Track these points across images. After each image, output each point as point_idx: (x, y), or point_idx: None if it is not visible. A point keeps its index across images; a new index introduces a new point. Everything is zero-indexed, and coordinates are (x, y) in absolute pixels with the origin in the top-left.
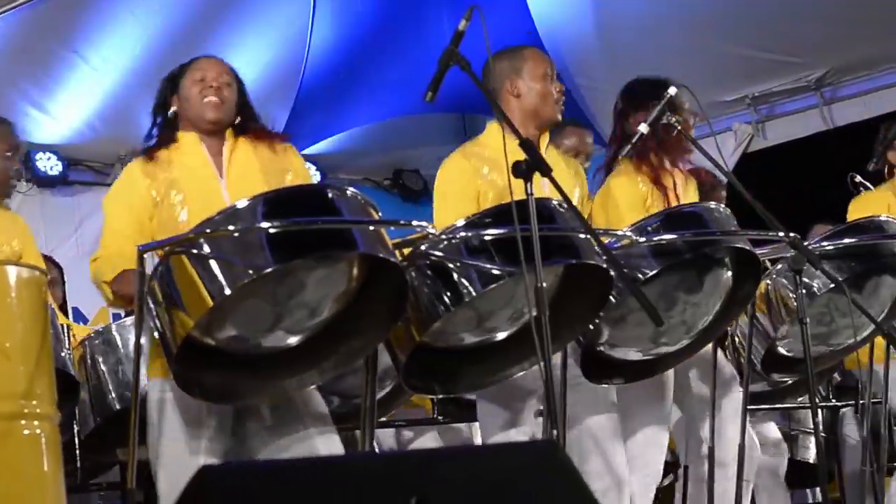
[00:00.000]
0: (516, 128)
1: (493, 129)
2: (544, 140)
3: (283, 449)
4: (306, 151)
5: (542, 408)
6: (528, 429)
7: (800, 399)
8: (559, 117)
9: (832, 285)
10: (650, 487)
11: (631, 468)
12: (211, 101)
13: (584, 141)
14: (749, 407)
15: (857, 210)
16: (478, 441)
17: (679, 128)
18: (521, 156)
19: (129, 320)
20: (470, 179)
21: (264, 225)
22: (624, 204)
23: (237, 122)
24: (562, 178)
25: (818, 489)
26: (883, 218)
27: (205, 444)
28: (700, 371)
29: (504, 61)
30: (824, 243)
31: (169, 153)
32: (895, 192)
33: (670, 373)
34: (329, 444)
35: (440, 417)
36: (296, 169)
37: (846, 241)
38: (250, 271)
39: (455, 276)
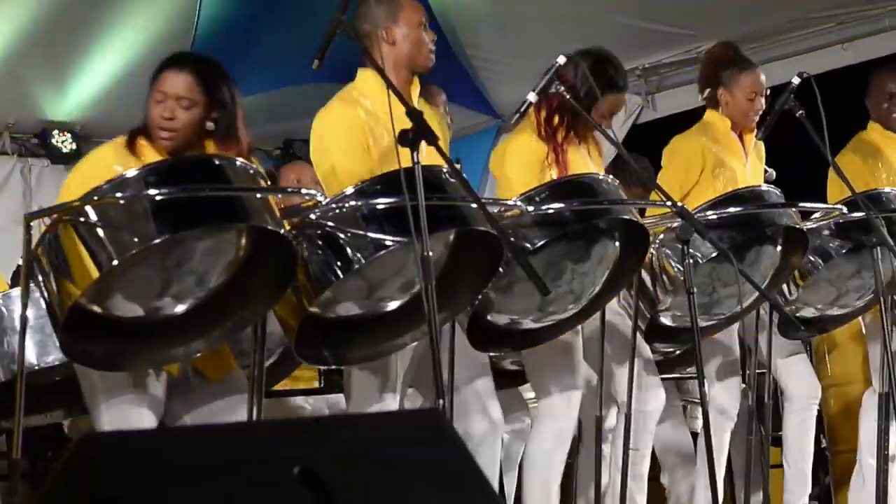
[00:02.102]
0: (391, 82)
1: (367, 76)
2: (415, 89)
3: (206, 416)
4: None
5: None
6: (397, 396)
7: (688, 369)
8: (431, 64)
9: (714, 254)
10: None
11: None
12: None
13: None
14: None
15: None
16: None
17: (568, 97)
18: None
19: (15, 291)
20: (358, 129)
21: (151, 192)
22: (516, 163)
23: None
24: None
25: None
26: (763, 188)
27: (148, 400)
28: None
29: (380, 6)
30: (708, 213)
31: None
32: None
33: (578, 342)
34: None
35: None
36: None
37: (730, 210)
38: (137, 240)
39: (344, 244)
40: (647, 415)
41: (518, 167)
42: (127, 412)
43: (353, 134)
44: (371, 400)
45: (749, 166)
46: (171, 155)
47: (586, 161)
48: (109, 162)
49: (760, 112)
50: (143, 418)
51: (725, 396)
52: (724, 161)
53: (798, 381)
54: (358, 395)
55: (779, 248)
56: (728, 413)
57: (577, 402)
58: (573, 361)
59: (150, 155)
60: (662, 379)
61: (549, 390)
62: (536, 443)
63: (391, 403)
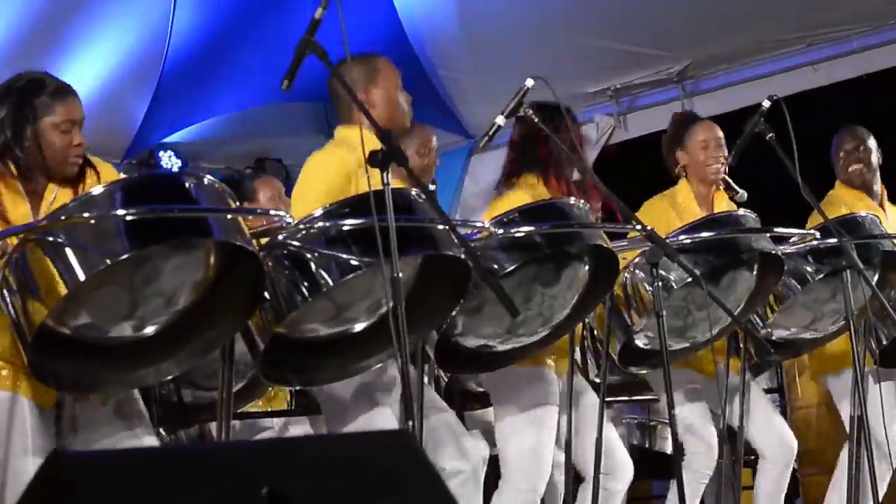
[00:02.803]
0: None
1: (344, 132)
2: None
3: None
4: (168, 139)
5: None
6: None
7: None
8: (408, 125)
9: (689, 279)
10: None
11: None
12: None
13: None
14: (607, 399)
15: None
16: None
17: (536, 120)
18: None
19: None
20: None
21: (119, 212)
22: None
23: None
24: None
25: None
26: (740, 212)
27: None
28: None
29: (358, 69)
30: (682, 237)
31: None
32: (672, 203)
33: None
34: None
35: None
36: None
37: (703, 234)
38: (105, 259)
39: (312, 266)
40: (614, 494)
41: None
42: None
43: (339, 181)
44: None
45: None
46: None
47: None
48: None
49: (720, 161)
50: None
51: (695, 417)
52: None
53: (772, 441)
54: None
55: (754, 272)
56: (698, 433)
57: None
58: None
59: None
60: (634, 400)
61: (512, 458)
62: None
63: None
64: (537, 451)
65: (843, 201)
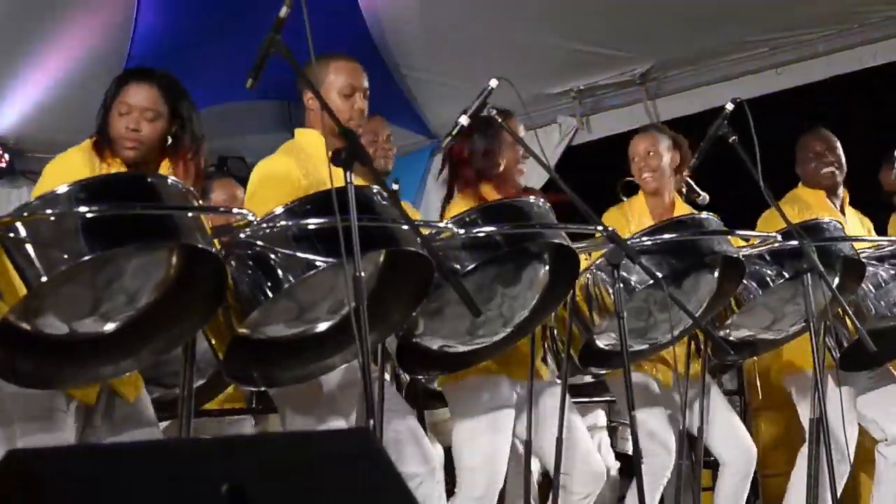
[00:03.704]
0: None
1: (306, 134)
2: None
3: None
4: None
5: None
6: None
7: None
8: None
9: (651, 281)
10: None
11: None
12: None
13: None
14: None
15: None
16: None
17: (500, 120)
18: None
19: None
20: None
21: (81, 209)
22: None
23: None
24: None
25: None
26: (703, 216)
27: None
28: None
29: (316, 69)
30: (643, 238)
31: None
32: (624, 214)
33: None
34: None
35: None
36: None
37: (665, 236)
38: (66, 257)
39: (274, 264)
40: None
41: None
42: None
43: (289, 187)
44: (311, 420)
45: None
46: (131, 167)
47: None
48: (78, 167)
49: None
50: None
51: (653, 419)
52: None
53: (733, 448)
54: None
55: (716, 275)
56: (656, 435)
57: (501, 478)
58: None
59: (115, 164)
60: (594, 402)
61: (468, 466)
62: None
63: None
64: (492, 457)
65: (804, 201)
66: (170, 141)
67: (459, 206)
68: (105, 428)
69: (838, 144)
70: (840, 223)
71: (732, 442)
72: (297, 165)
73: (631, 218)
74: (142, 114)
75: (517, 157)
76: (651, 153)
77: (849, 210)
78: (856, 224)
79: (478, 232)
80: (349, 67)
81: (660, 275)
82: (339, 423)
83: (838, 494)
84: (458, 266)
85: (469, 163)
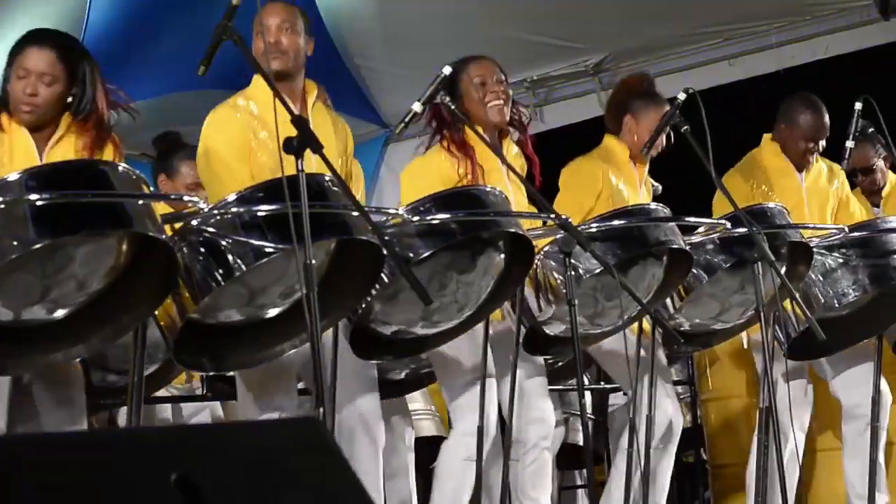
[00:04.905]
0: (282, 97)
1: (259, 82)
2: (311, 94)
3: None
4: None
5: None
6: (290, 407)
7: (570, 381)
8: (288, 65)
9: (599, 269)
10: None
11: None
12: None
13: None
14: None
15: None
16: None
17: (453, 108)
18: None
19: None
20: (241, 134)
21: (32, 197)
22: (426, 184)
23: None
24: (328, 141)
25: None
26: (652, 206)
27: None
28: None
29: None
30: (593, 226)
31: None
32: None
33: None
34: None
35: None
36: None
37: (615, 223)
38: (16, 244)
39: (225, 251)
40: (537, 451)
41: (427, 187)
42: None
43: (238, 137)
44: (265, 405)
45: (642, 195)
46: (30, 129)
47: (503, 177)
48: None
49: (660, 147)
50: None
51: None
52: (620, 189)
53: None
54: (244, 404)
55: (663, 265)
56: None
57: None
58: (475, 360)
59: (14, 130)
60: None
61: (455, 390)
62: (447, 455)
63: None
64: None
65: (763, 172)
66: (71, 102)
67: (432, 157)
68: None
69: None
70: (785, 209)
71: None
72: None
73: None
74: (39, 77)
75: (482, 95)
76: None
77: (817, 164)
78: (820, 179)
79: (431, 219)
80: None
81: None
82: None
83: (787, 484)
84: (412, 254)
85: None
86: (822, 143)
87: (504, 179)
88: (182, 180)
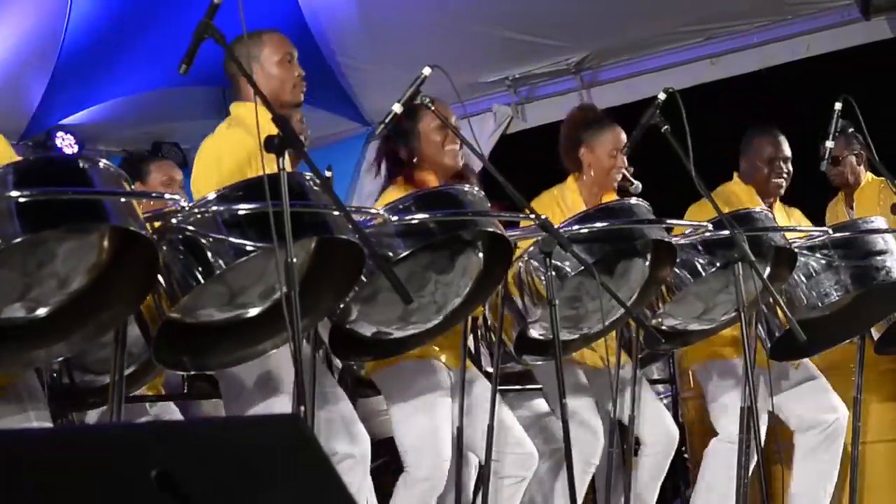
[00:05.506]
0: (264, 96)
1: (240, 109)
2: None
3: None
4: (65, 121)
5: None
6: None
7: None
8: (301, 99)
9: (582, 267)
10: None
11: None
12: None
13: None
14: (500, 388)
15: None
16: None
17: (433, 108)
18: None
19: None
20: (240, 158)
21: (13, 193)
22: None
23: None
24: None
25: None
26: (633, 202)
27: None
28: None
29: (242, 48)
30: (575, 226)
31: None
32: (560, 200)
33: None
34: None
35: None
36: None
37: (598, 224)
38: None
39: (206, 250)
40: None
41: None
42: None
43: (242, 158)
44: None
45: None
46: None
47: None
48: None
49: (622, 170)
50: None
51: (580, 408)
52: None
53: (656, 431)
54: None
55: (647, 261)
56: (584, 423)
57: (447, 454)
58: (441, 415)
59: None
60: (527, 390)
61: (411, 446)
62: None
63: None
64: (434, 434)
65: (737, 198)
66: None
67: (392, 194)
68: None
69: (789, 152)
70: (771, 213)
71: (656, 425)
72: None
73: (562, 204)
74: None
75: (442, 140)
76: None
77: (778, 207)
78: (782, 219)
79: (410, 219)
80: (282, 38)
81: (590, 260)
82: (284, 404)
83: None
84: (390, 253)
85: (395, 154)
86: (786, 166)
87: None
88: (154, 185)
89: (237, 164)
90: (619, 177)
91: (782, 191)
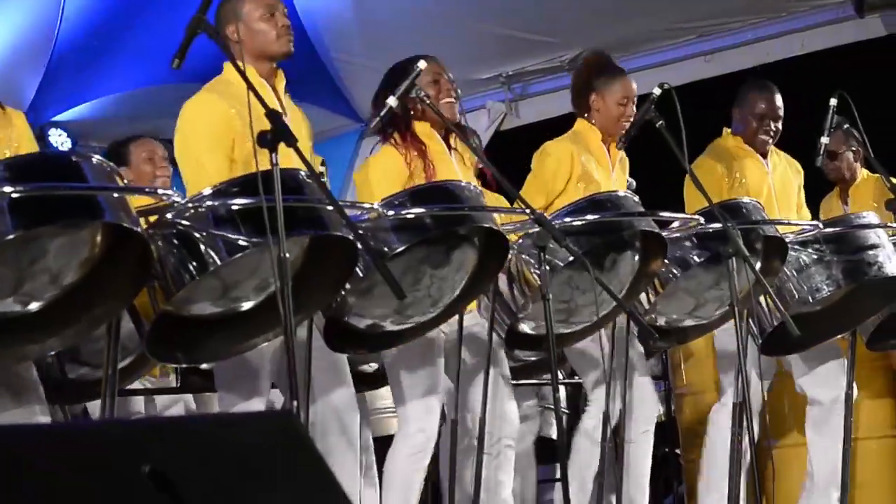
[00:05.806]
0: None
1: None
2: (280, 82)
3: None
4: (58, 118)
5: None
6: (265, 399)
7: (544, 376)
8: (290, 49)
9: (571, 259)
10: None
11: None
12: None
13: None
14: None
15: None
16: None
17: (428, 101)
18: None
19: None
20: (222, 122)
21: (6, 189)
22: (376, 181)
23: None
24: (297, 130)
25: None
26: (621, 194)
27: None
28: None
29: (226, 6)
30: (566, 219)
31: None
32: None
33: (440, 342)
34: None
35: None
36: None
37: (589, 217)
38: None
39: (201, 245)
40: (501, 446)
41: (379, 181)
42: None
43: (220, 128)
44: (234, 400)
45: (614, 178)
46: None
47: (454, 168)
48: None
49: (630, 119)
50: None
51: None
52: (590, 172)
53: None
54: (222, 396)
55: (637, 254)
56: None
57: (437, 410)
58: (433, 369)
59: None
60: (521, 384)
61: (405, 398)
62: (392, 462)
63: (256, 404)
64: (429, 389)
65: (729, 154)
66: None
67: (388, 151)
68: None
69: (782, 111)
70: (759, 203)
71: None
72: None
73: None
74: None
75: (436, 94)
76: None
77: (775, 156)
78: (784, 168)
79: (405, 214)
80: None
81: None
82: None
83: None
84: (386, 248)
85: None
86: (775, 124)
87: (457, 174)
88: (137, 164)
89: (217, 131)
90: (627, 125)
91: (768, 147)
